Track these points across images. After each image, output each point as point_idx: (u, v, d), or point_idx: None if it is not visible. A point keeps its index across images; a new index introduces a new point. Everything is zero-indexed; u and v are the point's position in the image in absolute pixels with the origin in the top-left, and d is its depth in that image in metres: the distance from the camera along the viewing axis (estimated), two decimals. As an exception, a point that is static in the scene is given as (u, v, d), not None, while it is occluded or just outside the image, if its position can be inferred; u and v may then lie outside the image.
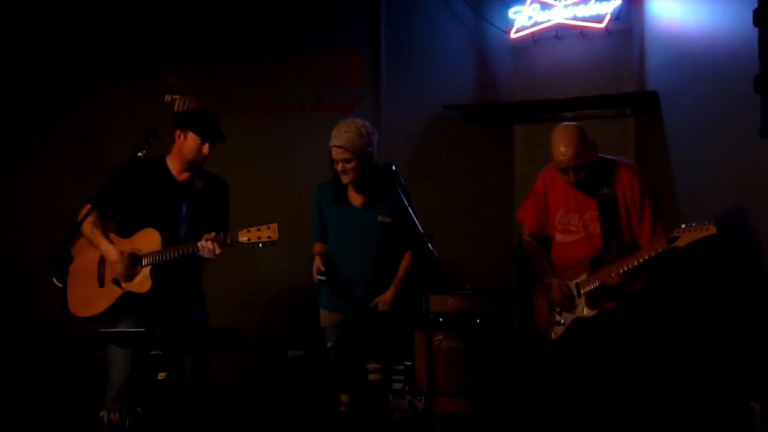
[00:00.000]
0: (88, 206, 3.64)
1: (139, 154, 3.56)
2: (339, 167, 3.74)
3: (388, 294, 3.81)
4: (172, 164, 3.72)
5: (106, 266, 3.67)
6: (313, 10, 5.45)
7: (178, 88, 5.43)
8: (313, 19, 5.46)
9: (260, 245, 3.50)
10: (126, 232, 3.69)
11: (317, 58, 5.45)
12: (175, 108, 5.37)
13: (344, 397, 3.87)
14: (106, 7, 5.36)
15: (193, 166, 3.70)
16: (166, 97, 5.40)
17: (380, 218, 3.77)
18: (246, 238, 3.49)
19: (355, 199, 3.83)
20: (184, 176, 3.73)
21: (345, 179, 3.75)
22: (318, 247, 3.93)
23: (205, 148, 3.65)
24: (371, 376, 3.84)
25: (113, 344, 3.51)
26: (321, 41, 5.45)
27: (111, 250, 3.62)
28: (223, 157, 5.23)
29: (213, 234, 3.51)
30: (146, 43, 5.39)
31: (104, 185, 3.65)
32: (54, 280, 3.62)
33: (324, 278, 3.75)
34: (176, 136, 3.68)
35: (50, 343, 4.63)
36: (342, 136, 3.71)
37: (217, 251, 3.50)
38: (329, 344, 3.86)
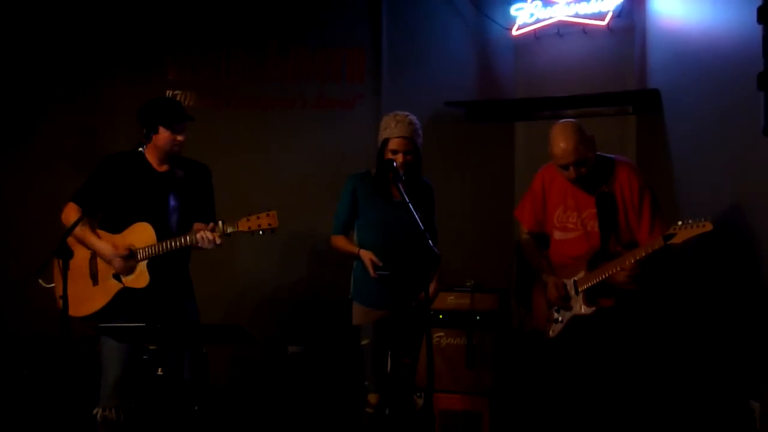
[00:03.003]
0: (72, 204, 3.61)
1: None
2: (400, 158, 3.71)
3: (431, 289, 3.76)
4: (151, 157, 3.69)
5: (98, 263, 3.63)
6: (315, 6, 5.44)
7: (179, 84, 5.41)
8: (314, 14, 5.44)
9: (261, 232, 3.48)
10: (115, 227, 3.64)
11: (318, 54, 5.43)
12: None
13: (373, 398, 3.77)
14: (107, 2, 5.35)
15: (172, 155, 3.67)
16: (168, 92, 5.38)
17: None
18: (246, 227, 3.47)
19: (396, 192, 3.74)
20: (165, 167, 3.70)
21: (402, 170, 3.70)
22: (342, 240, 3.86)
23: (180, 135, 3.62)
24: (403, 369, 3.87)
25: (112, 339, 3.50)
26: (322, 37, 5.44)
27: (104, 246, 3.59)
28: (224, 152, 5.30)
29: (212, 224, 3.49)
30: (148, 39, 5.37)
31: (86, 182, 3.67)
32: (40, 281, 3.60)
33: (388, 272, 3.67)
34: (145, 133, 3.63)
35: (50, 338, 4.63)
36: (404, 127, 3.74)
37: (218, 241, 3.48)
38: (365, 341, 3.78)
